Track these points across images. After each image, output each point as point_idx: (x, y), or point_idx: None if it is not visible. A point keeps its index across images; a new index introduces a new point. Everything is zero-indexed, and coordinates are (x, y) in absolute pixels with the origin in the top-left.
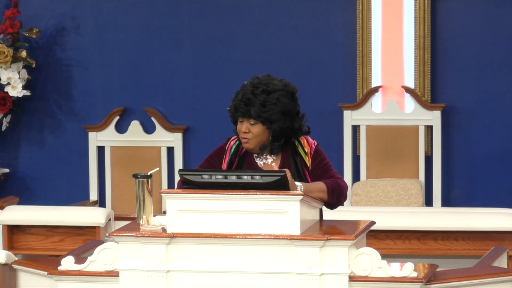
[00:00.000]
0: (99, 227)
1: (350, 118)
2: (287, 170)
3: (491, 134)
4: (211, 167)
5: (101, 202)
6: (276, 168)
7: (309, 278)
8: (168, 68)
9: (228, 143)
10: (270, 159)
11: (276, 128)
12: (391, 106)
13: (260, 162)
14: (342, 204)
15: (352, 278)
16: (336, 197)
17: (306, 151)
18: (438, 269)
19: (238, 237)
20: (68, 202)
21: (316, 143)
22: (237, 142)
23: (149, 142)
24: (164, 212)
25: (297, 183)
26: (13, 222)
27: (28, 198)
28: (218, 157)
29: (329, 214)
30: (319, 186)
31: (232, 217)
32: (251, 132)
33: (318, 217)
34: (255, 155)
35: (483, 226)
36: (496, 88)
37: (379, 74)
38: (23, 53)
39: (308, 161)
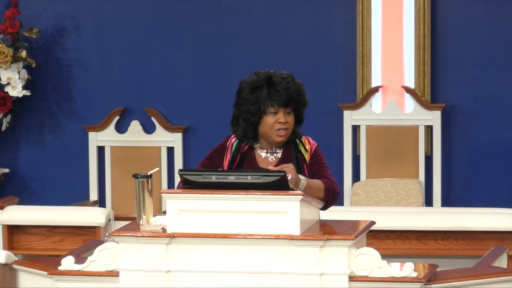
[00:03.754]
0: (99, 227)
1: (350, 118)
2: (291, 165)
3: (491, 134)
4: (212, 165)
5: (101, 202)
6: (274, 164)
7: (309, 278)
8: (168, 68)
9: (229, 140)
10: (275, 154)
11: (301, 115)
12: (391, 106)
13: (265, 155)
14: (331, 205)
15: (352, 278)
16: (330, 198)
17: (307, 148)
18: (438, 269)
19: (238, 237)
20: (68, 202)
21: (316, 144)
22: (238, 140)
23: (149, 142)
24: (164, 212)
25: (301, 176)
26: (13, 222)
27: (28, 198)
28: (219, 155)
29: (328, 214)
30: (318, 183)
31: (232, 217)
32: (288, 122)
33: (318, 217)
34: (259, 150)
35: (483, 226)
36: (496, 88)
37: (379, 74)
38: (23, 53)
39: (307, 157)
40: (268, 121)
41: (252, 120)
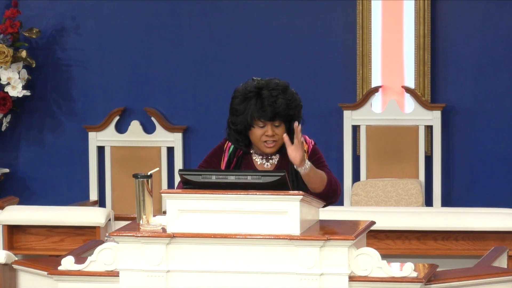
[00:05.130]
0: (99, 227)
1: (350, 118)
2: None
3: (491, 134)
4: (210, 168)
5: (101, 202)
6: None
7: (309, 278)
8: (168, 68)
9: (226, 143)
10: (271, 160)
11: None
12: (391, 106)
13: (260, 161)
14: (333, 203)
15: (352, 278)
16: (331, 192)
17: (305, 149)
18: (438, 269)
19: (238, 237)
20: (68, 202)
21: (313, 142)
22: None
23: (149, 142)
24: (164, 212)
25: (307, 161)
26: (13, 222)
27: (28, 198)
28: (217, 157)
29: (328, 214)
30: (322, 173)
31: (232, 217)
32: (277, 134)
33: (318, 217)
34: (255, 155)
35: (483, 226)
36: (496, 88)
37: (379, 74)
38: (23, 53)
39: (305, 158)
40: (256, 133)
41: (241, 129)
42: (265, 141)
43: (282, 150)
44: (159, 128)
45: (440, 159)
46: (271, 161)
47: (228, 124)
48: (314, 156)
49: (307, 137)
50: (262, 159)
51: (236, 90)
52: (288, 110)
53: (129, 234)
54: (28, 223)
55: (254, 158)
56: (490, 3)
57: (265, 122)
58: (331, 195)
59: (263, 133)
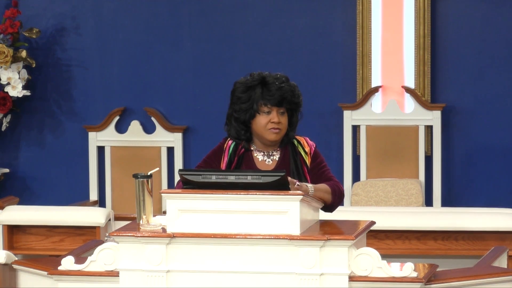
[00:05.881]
0: (99, 227)
1: (350, 118)
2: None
3: (491, 134)
4: (209, 168)
5: (101, 202)
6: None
7: (309, 278)
8: (168, 68)
9: (226, 142)
10: (272, 157)
11: (295, 117)
12: (391, 106)
13: (262, 158)
14: (338, 206)
15: (352, 278)
16: (337, 199)
17: (306, 150)
18: (438, 269)
19: (238, 237)
20: (68, 202)
21: (315, 145)
22: (235, 142)
23: (149, 142)
24: (164, 212)
25: (308, 184)
26: (13, 222)
27: (28, 198)
28: (216, 157)
29: (329, 214)
30: (325, 188)
31: (232, 217)
32: (281, 123)
33: (318, 217)
34: (256, 152)
35: (483, 226)
36: (495, 88)
37: (379, 74)
38: (23, 53)
39: (308, 160)
40: (261, 121)
41: (244, 119)
42: (271, 128)
43: (283, 145)
44: (159, 128)
45: (440, 159)
46: (272, 157)
47: (229, 116)
48: (316, 159)
49: (308, 139)
50: (263, 155)
51: (237, 82)
52: (293, 97)
53: (129, 234)
54: (28, 223)
55: (255, 155)
56: (490, 3)
57: (271, 107)
58: (337, 203)
59: (268, 121)
